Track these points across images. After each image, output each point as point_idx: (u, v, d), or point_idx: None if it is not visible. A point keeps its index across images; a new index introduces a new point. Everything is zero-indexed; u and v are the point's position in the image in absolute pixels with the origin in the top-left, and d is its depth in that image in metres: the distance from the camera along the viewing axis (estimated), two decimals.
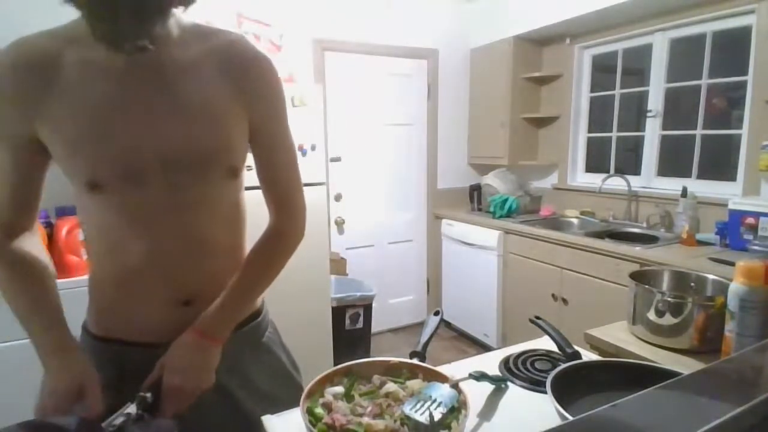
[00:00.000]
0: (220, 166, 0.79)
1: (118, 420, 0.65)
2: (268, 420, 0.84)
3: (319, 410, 0.75)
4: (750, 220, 2.06)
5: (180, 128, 0.74)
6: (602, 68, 3.10)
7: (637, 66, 2.91)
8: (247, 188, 0.90)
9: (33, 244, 0.80)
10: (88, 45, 0.67)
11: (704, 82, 2.51)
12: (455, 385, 0.79)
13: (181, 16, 0.75)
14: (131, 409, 0.68)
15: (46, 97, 0.70)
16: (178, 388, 0.73)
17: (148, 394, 0.71)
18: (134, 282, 0.79)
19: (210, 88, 0.76)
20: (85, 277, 1.86)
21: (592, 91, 3.16)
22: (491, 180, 3.34)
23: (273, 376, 0.87)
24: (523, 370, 0.99)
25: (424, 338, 1.00)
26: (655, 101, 2.74)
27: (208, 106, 0.76)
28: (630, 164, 2.97)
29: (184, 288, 0.81)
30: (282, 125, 0.86)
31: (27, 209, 0.79)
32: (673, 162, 2.73)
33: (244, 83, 0.78)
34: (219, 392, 0.84)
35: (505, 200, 3.15)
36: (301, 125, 2.22)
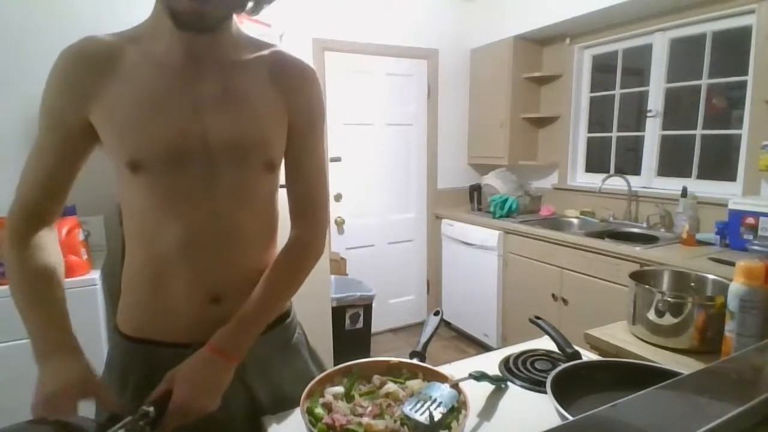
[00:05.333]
0: (258, 158, 0.81)
1: None
2: (268, 420, 0.84)
3: (319, 410, 0.75)
4: (750, 220, 2.06)
5: (225, 117, 0.78)
6: (602, 68, 3.10)
7: (637, 66, 2.91)
8: (281, 186, 0.89)
9: (50, 241, 0.81)
10: (149, 43, 0.77)
11: (704, 82, 2.51)
12: (455, 385, 0.79)
13: (241, 26, 0.84)
14: (130, 422, 0.64)
15: (104, 83, 0.75)
16: (185, 404, 0.71)
17: (151, 408, 0.68)
18: (165, 272, 0.79)
19: (256, 86, 0.81)
20: (85, 276, 1.87)
21: (592, 91, 3.16)
22: (491, 180, 3.34)
23: (297, 380, 0.85)
24: (523, 370, 0.99)
25: (424, 338, 1.00)
26: (655, 101, 2.74)
27: (253, 101, 0.80)
28: (630, 164, 2.97)
29: (213, 282, 0.81)
30: (315, 132, 0.89)
31: (56, 198, 0.81)
32: (673, 162, 2.73)
33: (286, 87, 0.84)
34: (243, 394, 0.84)
35: (505, 200, 3.15)
36: None
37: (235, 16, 0.80)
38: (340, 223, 3.30)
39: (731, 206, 2.14)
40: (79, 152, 0.79)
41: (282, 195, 0.89)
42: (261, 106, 0.81)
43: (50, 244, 0.80)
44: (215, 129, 0.77)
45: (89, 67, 0.75)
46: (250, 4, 0.76)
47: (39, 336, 0.73)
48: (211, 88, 0.78)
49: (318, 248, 0.90)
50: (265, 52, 0.85)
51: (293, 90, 0.84)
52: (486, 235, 3.08)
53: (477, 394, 0.88)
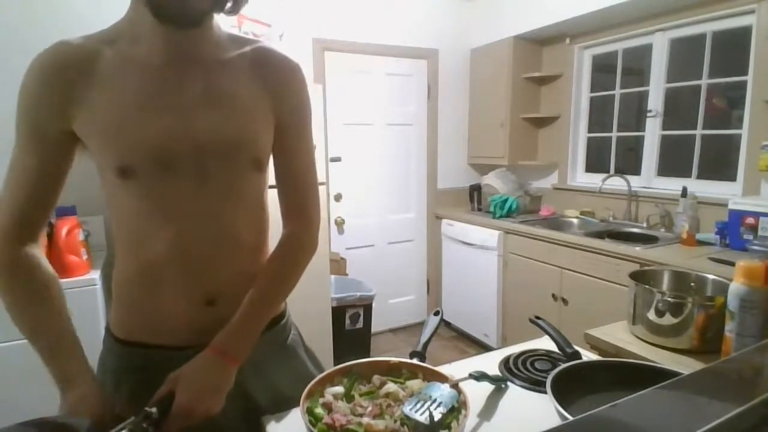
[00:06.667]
0: (247, 156, 0.81)
1: None
2: (267, 420, 0.84)
3: (319, 410, 0.75)
4: (750, 220, 2.06)
5: (212, 117, 0.77)
6: (602, 68, 3.10)
7: (637, 66, 2.91)
8: (270, 187, 0.89)
9: (41, 256, 0.79)
10: (128, 44, 0.75)
11: (704, 82, 2.51)
12: (455, 385, 0.79)
13: (221, 24, 0.82)
14: (133, 423, 0.65)
15: (84, 90, 0.72)
16: (188, 406, 0.70)
17: (154, 409, 0.68)
18: (158, 276, 0.78)
19: (241, 84, 0.80)
20: (85, 276, 1.87)
21: (592, 91, 3.16)
22: (491, 180, 3.34)
23: (296, 380, 0.85)
24: (523, 370, 0.99)
25: (424, 338, 1.00)
26: (655, 101, 2.74)
27: (238, 99, 0.79)
28: (630, 164, 2.97)
29: (208, 284, 0.80)
30: (304, 129, 0.88)
31: (44, 212, 0.78)
32: (673, 162, 2.73)
33: (272, 83, 0.83)
34: (241, 396, 0.83)
35: (505, 200, 3.15)
36: None
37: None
38: (340, 223, 3.30)
39: (731, 206, 2.14)
40: (63, 163, 0.77)
41: (272, 196, 0.89)
42: (247, 104, 0.80)
43: (42, 259, 0.78)
44: (203, 129, 0.76)
45: (66, 74, 0.72)
46: (228, 5, 0.74)
47: (47, 366, 0.74)
48: (196, 88, 0.76)
49: (311, 243, 0.89)
50: (247, 48, 0.83)
51: (279, 86, 0.83)
52: (486, 235, 3.08)
53: (477, 394, 0.88)
